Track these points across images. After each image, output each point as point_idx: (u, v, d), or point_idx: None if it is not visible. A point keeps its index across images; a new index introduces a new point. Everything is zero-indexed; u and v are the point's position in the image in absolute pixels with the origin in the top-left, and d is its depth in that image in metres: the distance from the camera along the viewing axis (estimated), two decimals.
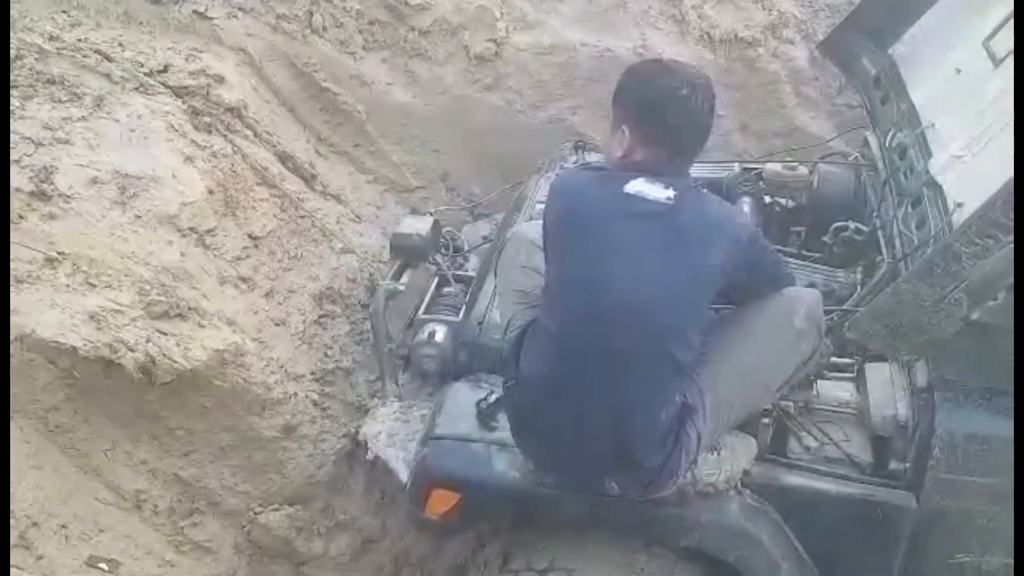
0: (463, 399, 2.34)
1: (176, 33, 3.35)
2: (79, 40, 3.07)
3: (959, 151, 2.28)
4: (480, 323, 2.51)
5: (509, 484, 2.17)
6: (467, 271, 2.95)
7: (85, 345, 2.25)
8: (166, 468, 2.47)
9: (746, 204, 2.96)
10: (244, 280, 2.79)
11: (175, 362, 2.35)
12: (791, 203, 3.02)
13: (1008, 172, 1.79)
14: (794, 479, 2.18)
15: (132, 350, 2.29)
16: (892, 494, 2.13)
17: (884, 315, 1.98)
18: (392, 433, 2.43)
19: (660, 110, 1.95)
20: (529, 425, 2.09)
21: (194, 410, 2.47)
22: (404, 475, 2.30)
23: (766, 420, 2.22)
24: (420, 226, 2.88)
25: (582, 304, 1.96)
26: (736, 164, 3.23)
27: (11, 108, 2.70)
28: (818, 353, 2.14)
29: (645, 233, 1.92)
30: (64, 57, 2.97)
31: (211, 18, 3.39)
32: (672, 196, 1.92)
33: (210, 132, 3.02)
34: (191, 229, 2.69)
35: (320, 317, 2.97)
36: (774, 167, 3.06)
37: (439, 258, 2.95)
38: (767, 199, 3.03)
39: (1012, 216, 1.74)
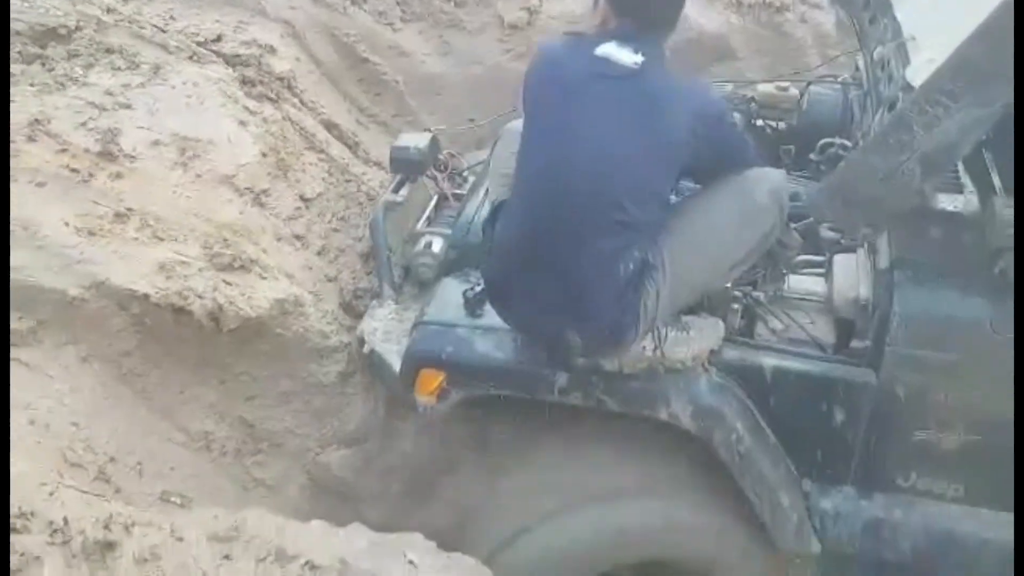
0: (451, 291, 2.51)
1: (224, 6, 3.48)
2: (134, 13, 3.21)
3: (933, 55, 2.32)
4: (469, 223, 2.68)
5: (490, 363, 2.32)
6: (465, 190, 3.07)
7: (156, 292, 2.38)
8: (232, 411, 2.59)
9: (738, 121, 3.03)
10: (298, 238, 2.92)
11: (240, 309, 2.47)
12: (782, 124, 3.10)
13: (956, 44, 1.82)
14: (758, 358, 2.27)
15: (200, 297, 2.42)
16: (852, 371, 2.20)
17: (840, 188, 2.01)
18: (388, 330, 2.60)
19: None
20: (500, 288, 2.24)
21: (258, 357, 2.60)
22: (397, 365, 2.46)
23: (736, 306, 2.34)
24: (418, 141, 2.98)
25: (545, 159, 2.09)
26: (729, 84, 3.32)
27: (75, 77, 2.84)
28: (778, 230, 2.21)
29: (610, 94, 2.02)
30: (121, 28, 3.11)
31: None
32: (640, 62, 2.00)
33: (260, 100, 3.15)
34: (247, 189, 2.82)
35: (368, 274, 3.09)
36: (766, 88, 3.13)
37: (437, 175, 3.05)
38: (759, 121, 3.11)
39: (960, 85, 1.76)
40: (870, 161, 1.93)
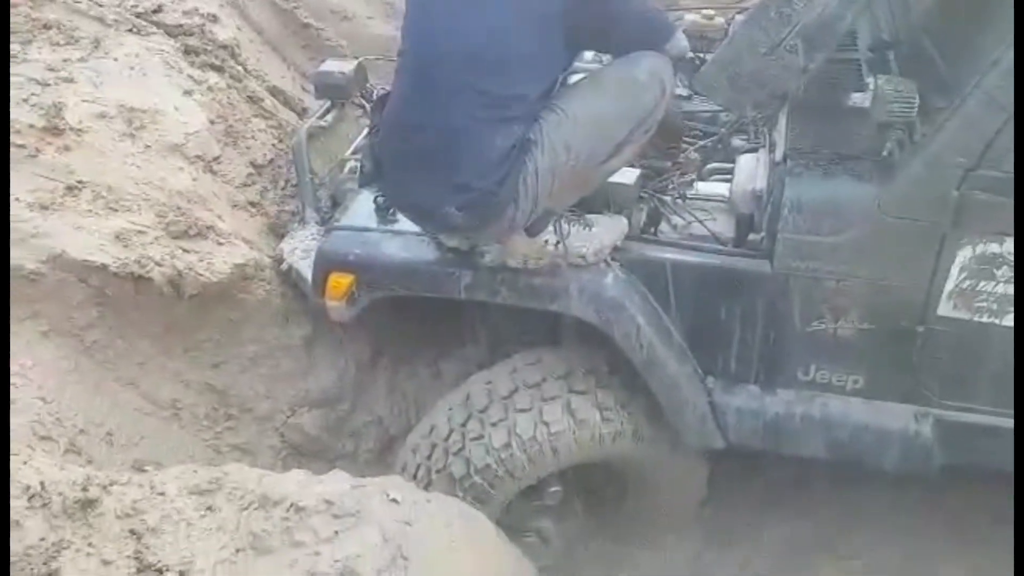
0: (365, 200, 2.55)
1: None
2: None
3: None
4: None
5: (397, 263, 2.38)
6: None
7: (114, 262, 2.36)
8: (199, 378, 2.59)
9: None
10: (252, 204, 2.91)
11: (201, 275, 2.47)
12: (709, 55, 3.14)
13: None
14: (659, 253, 2.33)
15: (159, 264, 2.41)
16: (749, 262, 2.24)
17: (725, 65, 2.05)
18: (307, 249, 2.63)
19: None
20: (385, 165, 2.24)
21: (221, 323, 2.60)
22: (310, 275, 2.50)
23: (641, 206, 2.41)
24: (343, 66, 2.97)
25: (420, 32, 2.14)
26: None
27: (14, 54, 2.78)
28: (660, 111, 2.22)
29: None
30: (57, 4, 3.04)
31: None
32: None
33: (204, 68, 3.11)
34: (198, 157, 2.80)
35: None
36: (692, 17, 3.13)
37: (366, 104, 3.02)
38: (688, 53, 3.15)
39: None
40: (753, 35, 1.96)
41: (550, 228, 2.30)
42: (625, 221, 2.35)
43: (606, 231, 2.31)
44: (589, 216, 2.33)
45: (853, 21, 1.94)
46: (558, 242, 2.28)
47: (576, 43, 2.16)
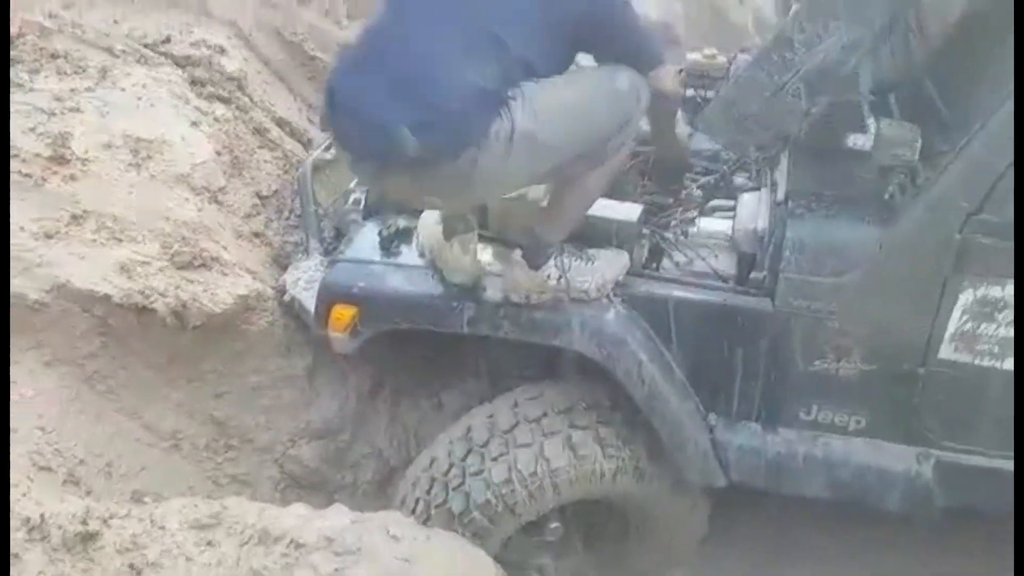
0: (369, 232, 2.57)
1: (168, 9, 3.46)
2: (77, 18, 3.18)
3: None
4: None
5: (400, 296, 2.38)
6: None
7: (118, 293, 2.37)
8: (201, 409, 2.59)
9: None
10: (257, 235, 2.92)
11: (204, 306, 2.47)
12: (710, 93, 3.12)
13: None
14: (661, 289, 2.33)
15: (163, 295, 2.42)
16: (750, 300, 2.24)
17: (728, 107, 2.07)
18: (310, 280, 2.63)
19: None
20: (339, 86, 2.07)
21: (224, 353, 2.60)
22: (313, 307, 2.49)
23: (643, 242, 2.43)
24: None
25: None
26: None
27: (21, 82, 2.80)
28: (634, 125, 2.21)
29: None
30: (65, 34, 3.07)
31: None
32: None
33: (211, 100, 3.14)
34: (204, 188, 2.82)
35: None
36: (694, 57, 3.17)
37: None
38: (690, 91, 3.14)
39: (839, 3, 1.84)
40: (756, 78, 1.98)
41: (552, 263, 2.31)
42: (627, 256, 2.36)
43: (608, 266, 2.32)
44: (591, 251, 2.35)
45: (855, 66, 1.96)
46: (560, 276, 2.28)
47: (577, 42, 2.14)
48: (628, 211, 2.42)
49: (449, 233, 2.30)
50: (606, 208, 2.41)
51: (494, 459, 2.36)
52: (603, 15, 2.11)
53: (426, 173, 1.98)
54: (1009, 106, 1.90)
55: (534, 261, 2.29)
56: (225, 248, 2.70)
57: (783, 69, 1.92)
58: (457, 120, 1.93)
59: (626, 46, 2.19)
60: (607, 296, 2.30)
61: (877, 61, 2.37)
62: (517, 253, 2.32)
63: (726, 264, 2.39)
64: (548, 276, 2.30)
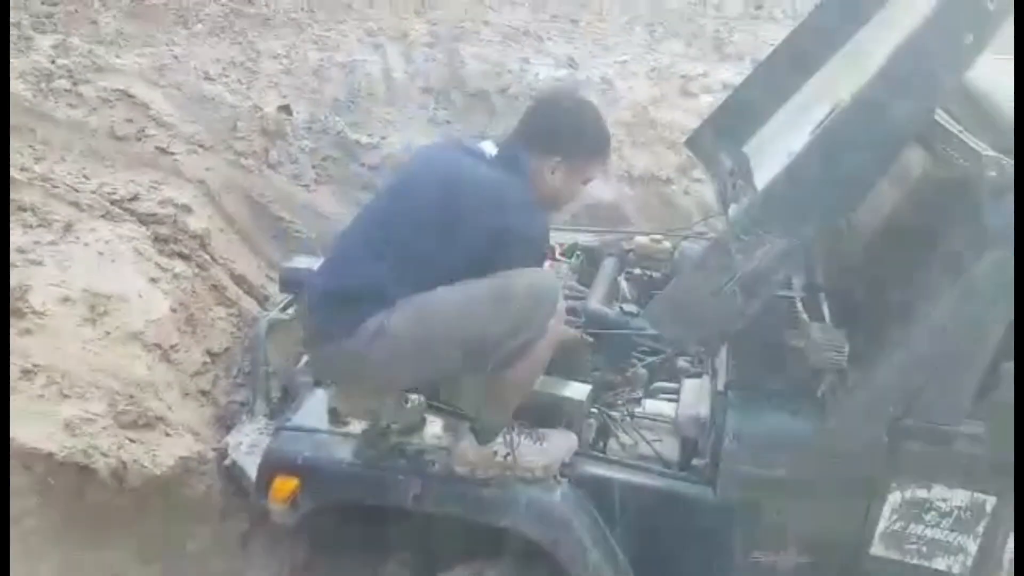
0: (318, 399, 2.54)
1: (139, 167, 3.57)
2: (47, 171, 3.27)
3: None
4: None
5: (344, 469, 2.34)
6: None
7: (61, 451, 2.35)
8: (133, 574, 2.51)
9: (609, 263, 3.23)
10: (204, 393, 2.93)
11: (144, 467, 2.45)
12: (656, 273, 3.31)
13: (766, 180, 2.06)
14: (607, 471, 2.34)
15: (105, 455, 2.40)
16: (692, 488, 2.26)
17: (671, 304, 2.14)
18: (253, 444, 2.61)
19: None
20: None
21: (159, 516, 2.55)
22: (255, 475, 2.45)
23: (591, 421, 2.46)
24: (310, 263, 2.99)
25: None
26: (609, 234, 3.55)
27: None
28: (536, 327, 2.18)
29: (454, 160, 2.27)
30: (34, 187, 3.15)
31: (172, 153, 3.64)
32: (493, 154, 2.25)
33: (172, 257, 3.21)
34: (156, 345, 2.84)
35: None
36: (642, 240, 3.34)
37: None
38: (636, 270, 3.31)
39: (771, 216, 1.96)
40: (696, 280, 2.08)
41: (500, 439, 2.34)
42: (575, 438, 2.39)
43: (556, 447, 2.34)
44: (541, 431, 2.39)
45: (787, 272, 2.10)
46: (508, 454, 2.32)
47: (481, 258, 2.20)
48: (577, 390, 2.49)
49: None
50: (556, 385, 2.47)
51: None
52: (499, 240, 2.18)
53: (315, 349, 2.27)
54: (934, 318, 2.03)
55: (483, 436, 2.33)
56: (170, 408, 2.70)
57: (720, 272, 2.04)
58: (338, 307, 2.14)
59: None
60: (554, 476, 2.33)
61: (809, 267, 2.53)
62: (466, 426, 2.37)
63: (670, 448, 2.45)
64: (495, 452, 2.33)
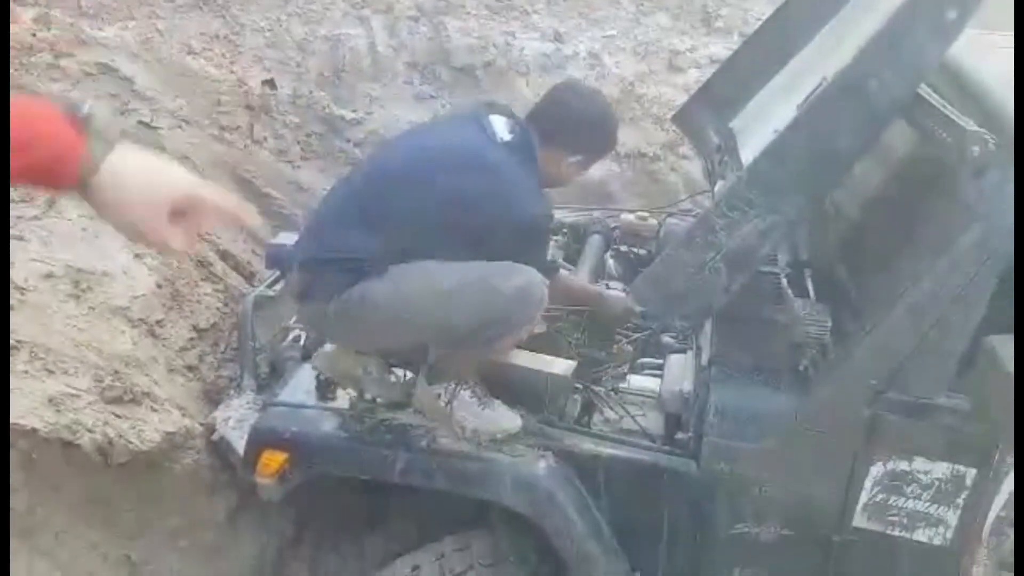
0: (306, 374, 2.57)
1: (121, 141, 3.52)
2: None
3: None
4: None
5: (332, 443, 2.38)
6: None
7: (45, 427, 2.33)
8: (116, 551, 2.51)
9: (595, 240, 3.28)
10: (190, 368, 2.92)
11: (130, 443, 2.45)
12: (642, 251, 3.35)
13: (752, 156, 2.09)
14: (590, 445, 2.37)
15: (90, 431, 2.38)
16: (675, 460, 2.30)
17: (656, 281, 2.18)
18: (241, 419, 2.63)
19: None
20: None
21: (147, 492, 2.55)
22: (242, 449, 2.48)
23: (576, 397, 2.50)
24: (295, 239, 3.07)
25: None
26: (596, 211, 3.58)
27: None
28: (523, 328, 2.28)
29: (464, 133, 2.35)
30: None
31: (156, 128, 3.61)
32: (508, 140, 2.31)
33: None
34: (141, 320, 2.83)
35: None
36: (628, 217, 3.37)
37: None
38: (623, 247, 3.34)
39: (756, 192, 1.99)
40: (682, 256, 2.11)
41: (446, 386, 2.38)
42: (520, 421, 2.38)
43: (492, 421, 2.36)
44: (493, 400, 2.39)
45: (772, 248, 2.11)
46: (448, 403, 2.34)
47: (478, 242, 2.27)
48: (562, 366, 2.50)
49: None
50: (540, 362, 2.48)
51: None
52: (502, 232, 2.26)
53: (305, 308, 2.38)
54: (917, 293, 2.04)
55: (431, 376, 2.39)
56: (156, 383, 2.70)
57: (705, 249, 2.05)
58: (324, 269, 2.25)
59: (519, 259, 2.31)
60: (477, 443, 2.33)
61: (793, 243, 2.54)
62: (424, 369, 2.41)
63: (654, 423, 2.47)
64: (439, 396, 2.36)
